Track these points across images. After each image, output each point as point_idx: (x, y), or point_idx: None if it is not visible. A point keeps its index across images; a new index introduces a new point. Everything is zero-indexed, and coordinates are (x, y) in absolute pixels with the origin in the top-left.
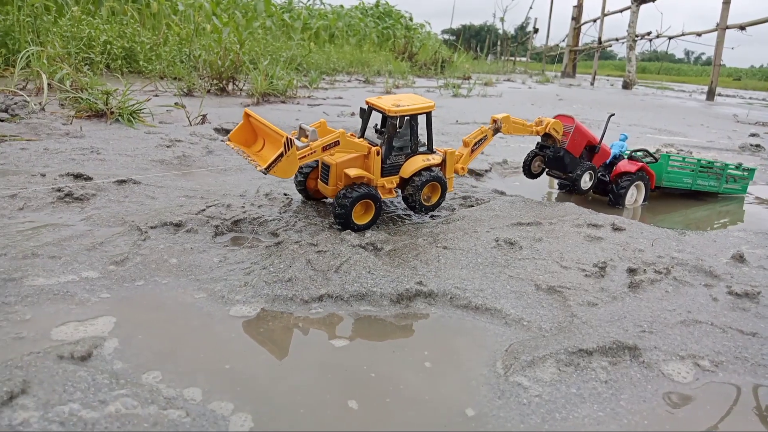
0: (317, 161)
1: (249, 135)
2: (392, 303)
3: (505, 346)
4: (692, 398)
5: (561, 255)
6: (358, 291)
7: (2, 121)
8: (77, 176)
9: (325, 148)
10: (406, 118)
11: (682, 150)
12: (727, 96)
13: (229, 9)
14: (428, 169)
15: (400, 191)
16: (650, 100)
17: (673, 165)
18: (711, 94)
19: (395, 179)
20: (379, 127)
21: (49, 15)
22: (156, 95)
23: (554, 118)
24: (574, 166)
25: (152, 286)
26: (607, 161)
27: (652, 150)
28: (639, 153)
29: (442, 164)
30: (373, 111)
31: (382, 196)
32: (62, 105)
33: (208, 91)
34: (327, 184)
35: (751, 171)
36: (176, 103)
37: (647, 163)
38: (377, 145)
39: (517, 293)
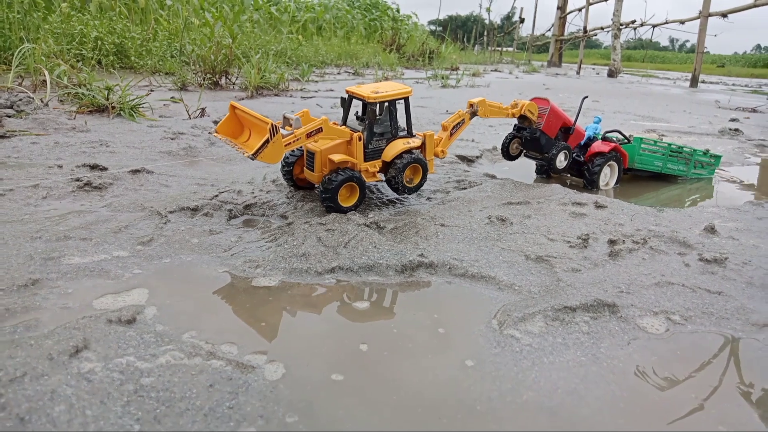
0: (302, 150)
1: (236, 127)
2: (397, 273)
3: (498, 306)
4: (664, 346)
5: (548, 229)
6: (366, 263)
7: (9, 117)
8: (93, 167)
9: (309, 135)
10: (385, 104)
11: (664, 135)
12: (711, 83)
13: (217, 2)
14: (409, 151)
15: (383, 175)
16: (635, 87)
17: (645, 148)
18: (694, 81)
19: (378, 163)
20: (360, 114)
21: (38, 12)
22: (151, 90)
23: (530, 101)
24: (550, 147)
25: (178, 263)
26: (582, 142)
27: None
28: (613, 134)
29: (422, 147)
30: (354, 99)
31: (366, 180)
32: (61, 101)
33: (201, 85)
34: (313, 171)
35: (718, 158)
36: (173, 98)
37: (620, 143)
38: (359, 132)
39: (509, 263)
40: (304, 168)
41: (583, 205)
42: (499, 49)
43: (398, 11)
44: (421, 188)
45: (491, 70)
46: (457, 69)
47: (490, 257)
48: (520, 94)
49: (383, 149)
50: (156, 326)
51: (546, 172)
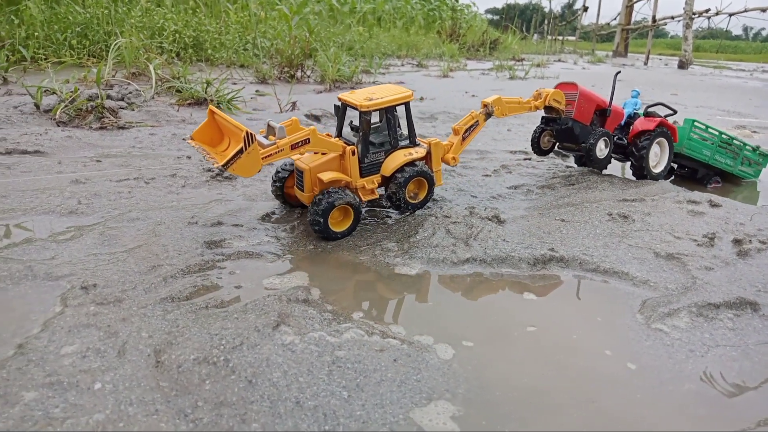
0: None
1: (215, 134)
2: (530, 266)
3: (638, 302)
4: None
5: (671, 227)
6: (498, 255)
7: (123, 109)
8: None
9: (293, 147)
10: (381, 111)
11: (756, 132)
12: None
13: None
14: (411, 164)
15: (384, 190)
16: (709, 80)
17: (696, 132)
18: None
19: (376, 178)
20: (355, 123)
21: (122, 7)
22: (234, 83)
23: (555, 88)
24: (586, 135)
25: (321, 250)
26: (622, 122)
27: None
28: (656, 108)
29: (427, 157)
30: (348, 108)
31: (363, 198)
32: (158, 93)
33: (279, 78)
34: (303, 191)
35: (766, 157)
36: (257, 91)
37: (666, 116)
38: (354, 144)
39: (639, 259)
40: (295, 186)
41: (698, 203)
42: (560, 38)
43: (457, 0)
44: (427, 204)
45: (554, 61)
46: (522, 60)
47: (619, 253)
48: (593, 85)
49: (382, 162)
50: (326, 306)
51: (587, 165)
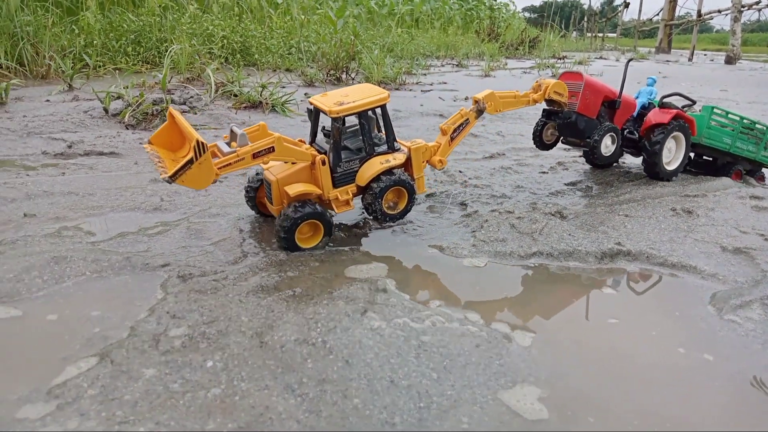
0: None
1: (175, 138)
2: (597, 260)
3: (708, 294)
4: None
5: (736, 222)
6: (565, 249)
7: (186, 112)
8: None
9: (256, 155)
10: (354, 116)
11: None
12: None
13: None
14: (388, 172)
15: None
16: (760, 75)
17: (716, 120)
18: None
19: (351, 188)
20: (326, 129)
21: (172, 14)
22: (283, 87)
23: (559, 77)
24: (592, 130)
25: (392, 244)
26: (635, 114)
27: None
28: (672, 98)
29: (407, 163)
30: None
31: (337, 210)
32: (213, 98)
33: (325, 81)
34: (272, 203)
35: None
36: (306, 94)
37: (683, 108)
38: (325, 152)
39: (706, 254)
40: (265, 198)
41: (761, 199)
42: (600, 35)
43: None
44: (408, 214)
45: (595, 58)
46: (564, 58)
47: (686, 248)
48: (638, 83)
49: (357, 171)
50: (404, 295)
51: (594, 162)
